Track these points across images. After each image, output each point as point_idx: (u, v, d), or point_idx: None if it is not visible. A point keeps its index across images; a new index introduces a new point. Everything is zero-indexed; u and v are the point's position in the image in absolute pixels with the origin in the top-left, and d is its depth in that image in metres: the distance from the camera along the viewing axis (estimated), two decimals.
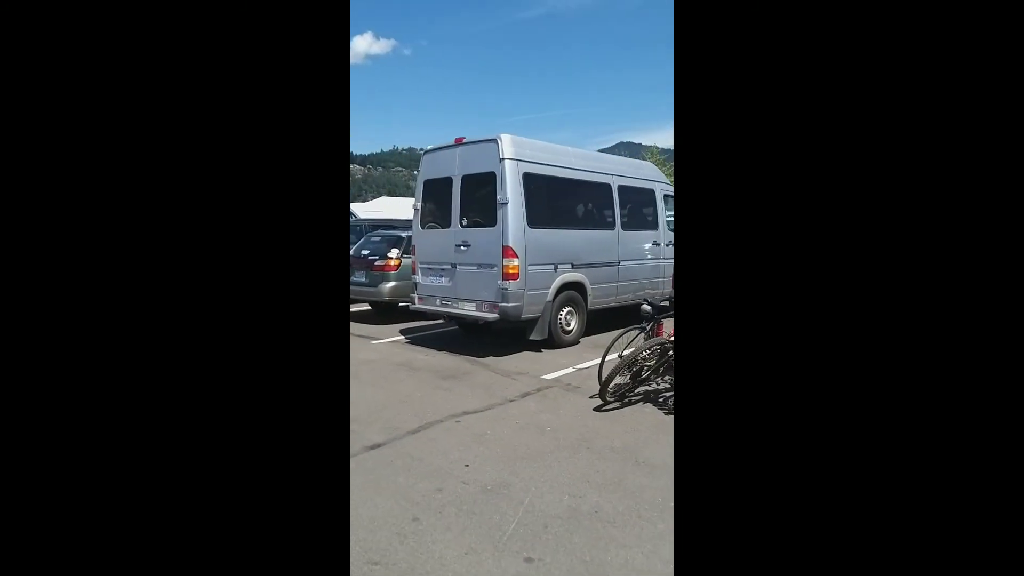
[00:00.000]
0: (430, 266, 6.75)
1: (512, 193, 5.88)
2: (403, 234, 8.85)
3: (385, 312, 9.24)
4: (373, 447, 3.53)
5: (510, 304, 5.90)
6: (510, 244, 5.86)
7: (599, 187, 7.09)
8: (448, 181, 6.50)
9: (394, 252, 8.49)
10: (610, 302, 7.18)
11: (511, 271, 5.88)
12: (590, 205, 7.16)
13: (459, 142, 6.44)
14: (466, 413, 4.21)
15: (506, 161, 5.89)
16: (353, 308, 9.20)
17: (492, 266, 6.01)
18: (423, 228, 6.90)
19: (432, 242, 6.74)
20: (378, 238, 9.14)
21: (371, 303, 8.99)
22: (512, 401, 4.52)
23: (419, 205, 6.93)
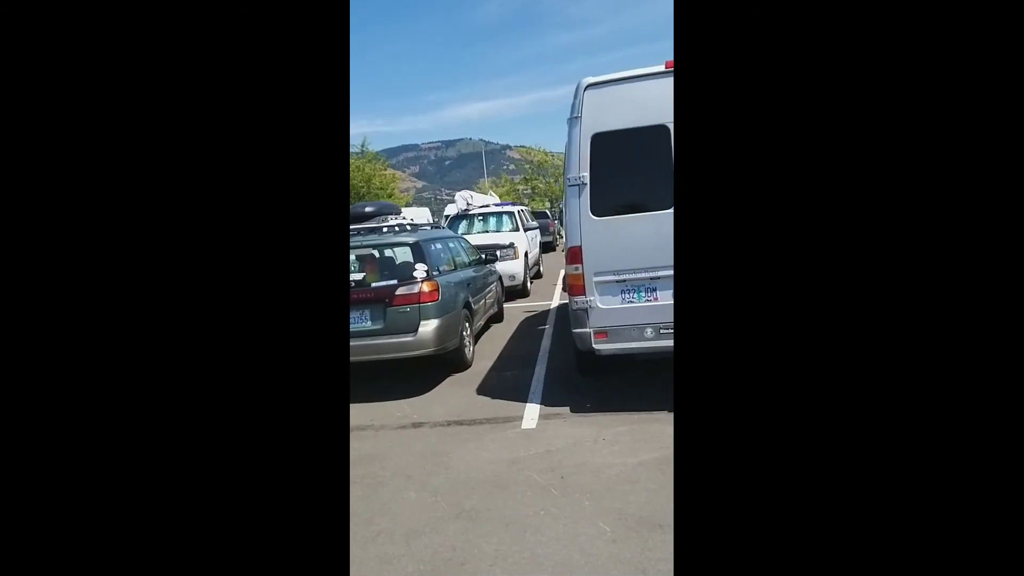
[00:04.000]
0: (624, 277, 3.96)
1: None
2: (410, 239, 5.32)
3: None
4: None
5: None
6: None
7: None
8: (660, 132, 3.78)
9: (421, 269, 5.02)
10: None
11: None
12: None
13: (673, 67, 3.86)
14: None
15: None
16: None
17: None
18: (597, 216, 3.97)
19: (625, 237, 3.90)
20: (367, 250, 5.34)
21: (381, 362, 4.96)
22: None
23: (585, 176, 4.01)
